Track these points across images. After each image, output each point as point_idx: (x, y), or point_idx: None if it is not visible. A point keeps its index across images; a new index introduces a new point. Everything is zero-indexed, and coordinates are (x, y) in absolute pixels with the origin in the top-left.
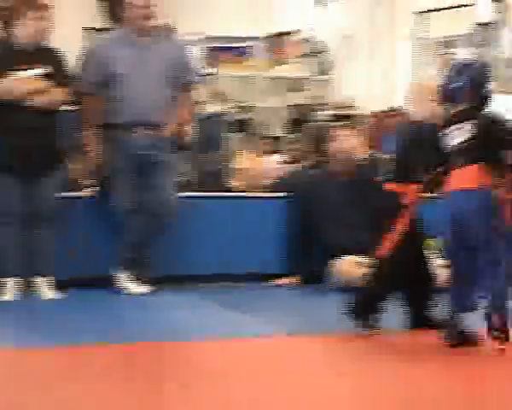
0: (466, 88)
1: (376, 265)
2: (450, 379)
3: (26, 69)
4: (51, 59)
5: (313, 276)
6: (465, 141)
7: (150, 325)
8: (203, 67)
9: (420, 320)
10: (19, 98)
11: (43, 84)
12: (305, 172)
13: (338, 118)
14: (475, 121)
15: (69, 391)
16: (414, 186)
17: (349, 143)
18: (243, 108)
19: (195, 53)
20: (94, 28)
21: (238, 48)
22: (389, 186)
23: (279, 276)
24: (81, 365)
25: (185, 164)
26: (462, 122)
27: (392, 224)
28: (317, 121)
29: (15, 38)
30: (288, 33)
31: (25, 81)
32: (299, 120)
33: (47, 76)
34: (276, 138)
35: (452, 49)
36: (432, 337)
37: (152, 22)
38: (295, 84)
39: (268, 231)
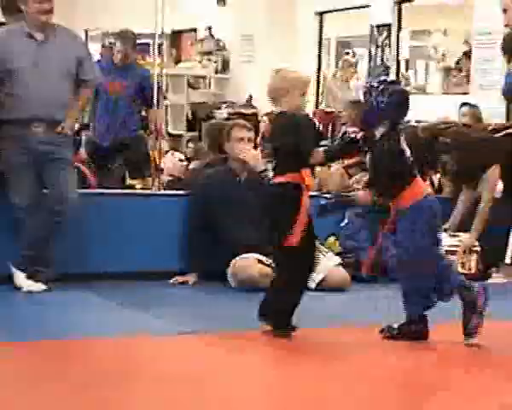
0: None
1: (283, 261)
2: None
3: None
4: None
5: (214, 274)
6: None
7: (46, 323)
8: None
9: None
10: None
11: None
12: (205, 169)
13: (238, 117)
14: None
15: None
16: (307, 172)
17: (247, 142)
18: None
19: (95, 49)
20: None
21: (138, 45)
22: (278, 178)
23: (179, 274)
24: None
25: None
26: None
27: (291, 217)
28: (216, 119)
29: None
30: (188, 31)
31: None
32: (198, 117)
33: None
34: (176, 136)
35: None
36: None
37: (50, 17)
38: (195, 82)
39: (168, 228)
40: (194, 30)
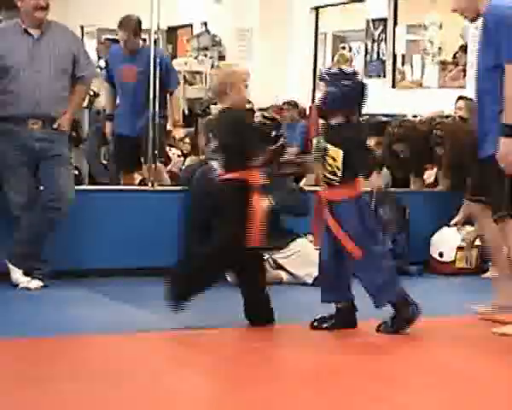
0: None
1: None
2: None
3: None
4: None
5: None
6: None
7: (42, 319)
8: (98, 60)
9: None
10: None
11: None
12: (200, 166)
13: None
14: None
15: None
16: (253, 170)
17: None
18: None
19: (90, 45)
20: None
21: None
22: (226, 175)
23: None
24: None
25: (79, 158)
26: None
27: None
28: (211, 115)
29: None
30: (184, 27)
31: None
32: (194, 113)
33: None
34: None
35: (346, 44)
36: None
37: (46, 13)
38: (191, 78)
39: (165, 224)
40: (190, 26)
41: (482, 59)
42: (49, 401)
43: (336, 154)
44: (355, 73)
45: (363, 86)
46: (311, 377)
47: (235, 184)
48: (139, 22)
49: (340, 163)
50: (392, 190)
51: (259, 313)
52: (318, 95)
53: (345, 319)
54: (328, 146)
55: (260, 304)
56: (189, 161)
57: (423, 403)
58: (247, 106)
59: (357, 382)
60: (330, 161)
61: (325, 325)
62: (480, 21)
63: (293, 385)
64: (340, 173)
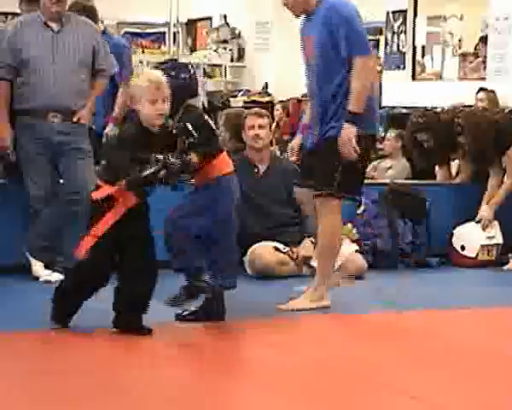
0: None
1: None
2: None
3: None
4: None
5: None
6: None
7: None
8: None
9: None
10: None
11: None
12: None
13: (253, 105)
14: None
15: None
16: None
17: (257, 131)
18: None
19: None
20: (5, 13)
21: (154, 34)
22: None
23: None
24: None
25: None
26: None
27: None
28: (232, 108)
29: None
30: (203, 20)
31: None
32: (214, 106)
33: None
34: None
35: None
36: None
37: (62, 6)
38: (210, 71)
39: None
40: (210, 18)
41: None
42: (65, 393)
43: None
44: (185, 65)
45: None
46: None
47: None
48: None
49: None
50: (412, 181)
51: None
52: None
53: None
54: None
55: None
56: None
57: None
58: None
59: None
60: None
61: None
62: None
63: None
64: None
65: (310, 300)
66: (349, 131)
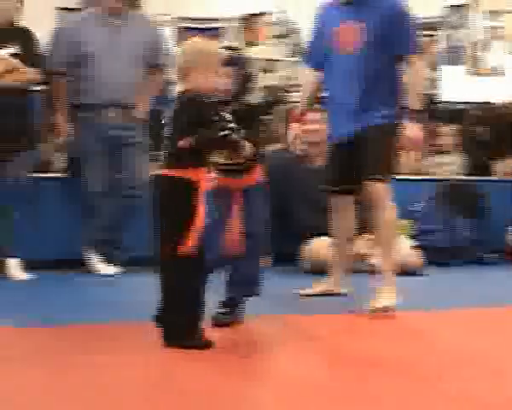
0: None
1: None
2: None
3: None
4: (22, 38)
5: (284, 258)
6: None
7: (118, 305)
8: (175, 49)
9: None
10: None
11: (14, 63)
12: (278, 154)
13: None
14: None
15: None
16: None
17: (318, 126)
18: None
19: (167, 34)
20: (66, 8)
21: (210, 29)
22: (166, 172)
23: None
24: (50, 345)
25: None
26: None
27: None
28: (288, 103)
29: None
30: (260, 14)
31: None
32: (271, 101)
33: (18, 56)
34: None
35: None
36: None
37: (121, 2)
38: (268, 66)
39: None
40: (268, 13)
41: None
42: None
43: None
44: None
45: None
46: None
47: (177, 182)
48: None
49: None
50: (469, 177)
51: None
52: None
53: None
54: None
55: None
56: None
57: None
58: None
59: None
60: None
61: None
62: None
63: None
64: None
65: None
66: (417, 131)
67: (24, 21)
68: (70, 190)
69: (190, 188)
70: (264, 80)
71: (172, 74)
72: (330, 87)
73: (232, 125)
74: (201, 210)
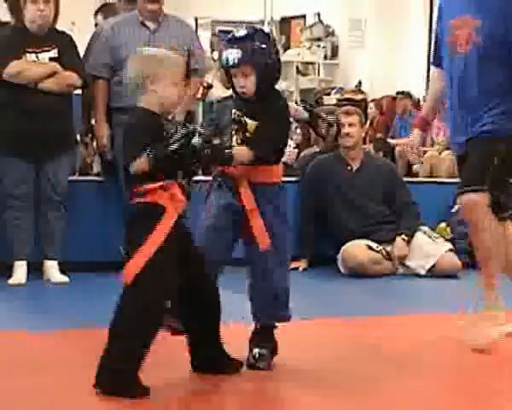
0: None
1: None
2: None
3: (36, 52)
4: (62, 42)
5: (323, 260)
6: None
7: None
8: (212, 52)
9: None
10: (32, 81)
11: (55, 67)
12: (316, 156)
13: (346, 103)
14: None
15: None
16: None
17: (346, 129)
18: None
19: (204, 37)
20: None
21: None
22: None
23: (290, 260)
24: (84, 349)
25: None
26: None
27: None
28: (325, 106)
29: (26, 23)
30: (297, 17)
31: (38, 64)
32: (308, 104)
33: (58, 59)
34: None
35: None
36: None
37: (157, 6)
38: (304, 69)
39: None
40: (304, 16)
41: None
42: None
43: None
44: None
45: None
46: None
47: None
48: None
49: None
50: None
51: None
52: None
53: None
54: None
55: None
56: (304, 152)
57: None
58: (362, 96)
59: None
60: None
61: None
62: None
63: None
64: None
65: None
66: None
67: (63, 25)
68: (107, 193)
69: (153, 213)
70: (300, 83)
71: (210, 78)
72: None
73: (201, 131)
74: (156, 237)
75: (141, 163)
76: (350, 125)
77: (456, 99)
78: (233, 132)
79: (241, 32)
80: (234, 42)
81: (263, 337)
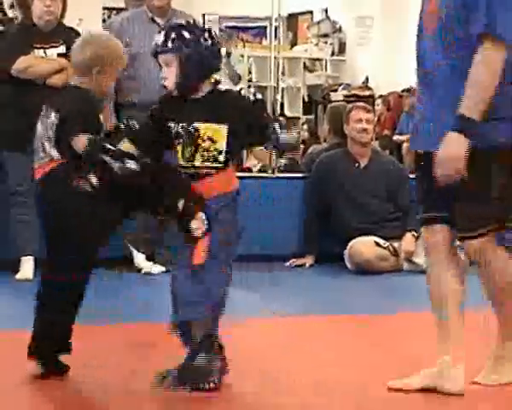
0: None
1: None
2: None
3: (44, 48)
4: (70, 38)
5: (331, 256)
6: None
7: (163, 304)
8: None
9: None
10: (39, 77)
11: (62, 63)
12: (323, 152)
13: (354, 99)
14: None
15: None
16: None
17: (364, 125)
18: (259, 89)
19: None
20: (114, 8)
21: (255, 28)
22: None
23: (294, 256)
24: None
25: None
26: None
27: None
28: (332, 102)
29: (33, 19)
30: (304, 14)
31: (46, 60)
32: (314, 100)
33: (66, 56)
34: (292, 119)
35: None
36: None
37: (165, 1)
38: (311, 65)
39: (286, 211)
40: (311, 12)
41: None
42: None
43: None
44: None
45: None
46: None
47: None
48: None
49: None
50: None
51: None
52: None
53: None
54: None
55: None
56: (311, 148)
57: None
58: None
59: None
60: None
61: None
62: None
63: None
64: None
65: None
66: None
67: (71, 21)
68: None
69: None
70: (307, 79)
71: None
72: None
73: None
74: None
75: (79, 141)
76: (367, 121)
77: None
78: (179, 147)
79: (174, 23)
80: (164, 30)
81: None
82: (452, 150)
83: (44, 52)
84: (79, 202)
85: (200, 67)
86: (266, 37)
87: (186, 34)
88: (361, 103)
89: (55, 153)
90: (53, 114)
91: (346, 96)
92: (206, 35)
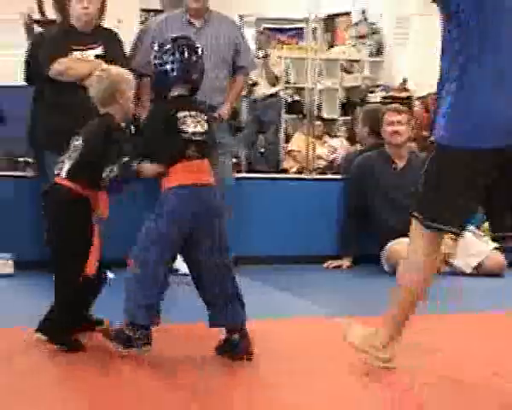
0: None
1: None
2: None
3: (83, 50)
4: (108, 39)
5: (366, 259)
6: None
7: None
8: (257, 49)
9: None
10: (77, 78)
11: (100, 64)
12: (360, 154)
13: (391, 101)
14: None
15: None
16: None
17: (395, 127)
18: (296, 90)
19: (250, 34)
20: (151, 10)
21: (293, 30)
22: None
23: (332, 258)
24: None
25: (237, 145)
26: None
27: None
28: (370, 104)
29: (72, 20)
30: (342, 15)
31: (83, 61)
32: (352, 102)
33: (103, 57)
34: (330, 120)
35: None
36: None
37: (201, 3)
38: (349, 66)
39: (324, 212)
40: (348, 14)
41: None
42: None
43: None
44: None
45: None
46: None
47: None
48: None
49: None
50: None
51: None
52: None
53: None
54: None
55: None
56: (348, 150)
57: None
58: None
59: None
60: None
61: None
62: None
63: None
64: None
65: None
66: None
67: (109, 23)
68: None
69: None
70: (344, 81)
71: (254, 76)
72: None
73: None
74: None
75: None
76: (399, 122)
77: None
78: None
79: None
80: None
81: None
82: None
83: (82, 54)
84: (73, 219)
85: None
86: (303, 38)
87: None
88: (393, 105)
89: (65, 172)
90: (80, 139)
91: (383, 98)
92: None
